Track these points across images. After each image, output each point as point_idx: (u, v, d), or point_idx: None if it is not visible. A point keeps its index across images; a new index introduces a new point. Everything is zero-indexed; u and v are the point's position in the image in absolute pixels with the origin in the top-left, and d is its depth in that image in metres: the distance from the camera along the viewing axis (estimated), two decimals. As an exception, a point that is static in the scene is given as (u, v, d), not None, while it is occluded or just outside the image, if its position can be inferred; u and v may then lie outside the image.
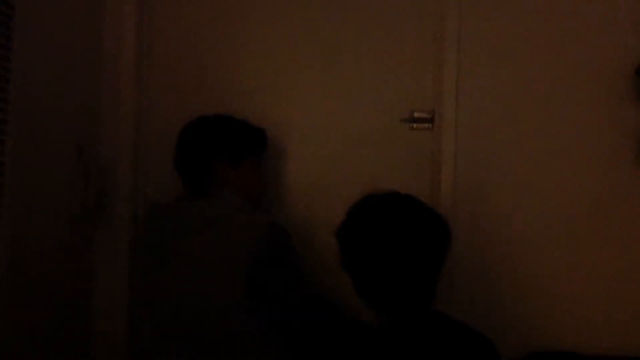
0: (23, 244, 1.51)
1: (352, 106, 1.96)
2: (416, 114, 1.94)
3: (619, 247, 1.84)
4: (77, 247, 1.84)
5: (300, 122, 1.95)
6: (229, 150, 1.66)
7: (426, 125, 1.94)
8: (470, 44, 1.91)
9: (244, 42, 1.99)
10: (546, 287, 1.85)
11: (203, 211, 1.57)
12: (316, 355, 1.44)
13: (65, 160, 1.74)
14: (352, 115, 1.96)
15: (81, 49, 1.83)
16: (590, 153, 1.86)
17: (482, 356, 1.28)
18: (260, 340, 1.50)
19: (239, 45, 1.99)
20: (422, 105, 1.94)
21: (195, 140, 1.68)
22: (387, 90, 1.95)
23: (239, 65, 1.99)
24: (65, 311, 1.76)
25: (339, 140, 1.96)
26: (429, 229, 1.32)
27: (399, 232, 1.30)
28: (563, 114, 1.87)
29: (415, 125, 1.94)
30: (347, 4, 1.97)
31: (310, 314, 1.55)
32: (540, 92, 1.88)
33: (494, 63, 1.90)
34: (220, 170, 1.64)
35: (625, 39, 1.86)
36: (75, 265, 1.83)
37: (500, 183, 1.86)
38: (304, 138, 1.96)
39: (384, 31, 1.96)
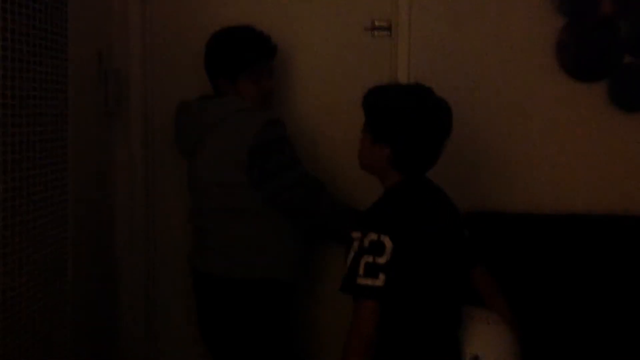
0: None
1: (322, 19, 2.37)
2: (376, 23, 2.35)
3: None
4: (101, 135, 2.32)
5: (278, 32, 2.23)
6: (225, 67, 2.05)
7: (385, 32, 2.36)
8: None
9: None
10: (490, 156, 2.36)
11: (214, 110, 2.01)
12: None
13: (91, 65, 2.19)
14: (323, 27, 2.37)
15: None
16: (518, 56, 2.31)
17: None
18: (261, 211, 1.98)
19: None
20: (381, 15, 2.35)
21: (205, 54, 2.10)
22: (351, 2, 2.36)
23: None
24: (90, 188, 2.25)
25: (313, 49, 2.38)
26: (448, 109, 1.72)
27: (431, 112, 1.68)
28: (495, 22, 2.30)
29: (376, 33, 2.36)
30: None
31: (303, 189, 2.00)
32: (478, 4, 2.31)
33: None
34: (220, 83, 2.07)
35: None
36: (98, 151, 2.31)
37: (448, 81, 2.22)
38: (285, 45, 2.29)
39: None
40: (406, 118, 1.69)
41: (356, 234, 1.68)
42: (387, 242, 1.60)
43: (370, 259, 1.61)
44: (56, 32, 1.87)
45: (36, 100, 1.76)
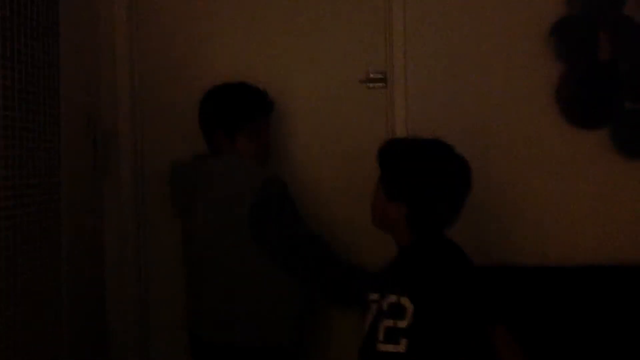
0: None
1: (315, 70, 2.34)
2: (371, 75, 2.33)
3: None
4: (90, 197, 2.25)
5: (272, 85, 2.19)
6: (222, 124, 2.01)
7: (380, 84, 2.33)
8: (416, 10, 2.29)
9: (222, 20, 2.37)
10: (490, 207, 2.29)
11: (210, 169, 1.96)
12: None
13: (79, 129, 2.13)
14: (317, 80, 2.34)
15: (85, 48, 2.22)
16: (518, 104, 2.29)
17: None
18: (263, 272, 1.90)
19: (220, 22, 2.37)
20: (375, 66, 2.32)
21: (200, 111, 2.06)
22: (345, 54, 2.34)
23: (218, 45, 2.37)
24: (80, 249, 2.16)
25: (308, 102, 2.34)
26: (468, 167, 1.67)
27: (452, 169, 1.63)
28: (494, 71, 2.29)
29: (371, 85, 2.33)
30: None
31: (307, 248, 1.93)
32: (475, 53, 2.29)
33: (437, 26, 2.29)
34: (218, 139, 2.02)
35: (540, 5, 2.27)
36: (89, 213, 2.24)
37: (447, 131, 2.08)
38: (279, 98, 2.22)
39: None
40: (425, 176, 1.64)
41: (373, 296, 1.62)
42: (408, 304, 1.54)
43: (390, 323, 1.55)
44: (48, 95, 1.83)
45: (28, 163, 1.71)
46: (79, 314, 2.05)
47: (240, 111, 2.02)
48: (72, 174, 2.01)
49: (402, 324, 1.53)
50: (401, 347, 1.51)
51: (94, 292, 2.28)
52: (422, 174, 1.64)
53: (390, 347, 1.52)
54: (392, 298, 1.56)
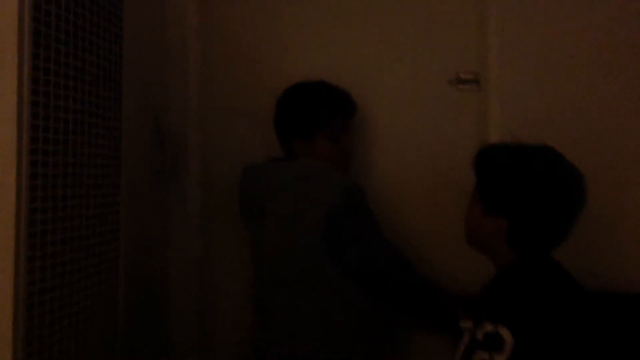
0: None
1: (400, 71, 2.15)
2: (462, 76, 2.12)
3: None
4: (157, 201, 2.15)
5: (353, 86, 2.08)
6: (300, 125, 1.88)
7: (472, 86, 2.12)
8: (513, 2, 2.06)
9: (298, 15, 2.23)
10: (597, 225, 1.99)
11: (285, 173, 1.83)
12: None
13: (145, 130, 2.04)
14: (403, 82, 2.15)
15: (153, 49, 2.13)
16: (631, 107, 2.01)
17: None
18: (336, 283, 1.77)
19: (296, 20, 2.23)
20: (467, 66, 2.12)
21: (276, 112, 1.94)
22: (432, 52, 2.14)
23: (295, 35, 2.23)
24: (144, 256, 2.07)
25: (392, 105, 2.16)
26: (581, 178, 1.45)
27: (564, 179, 1.43)
28: (602, 70, 2.02)
29: (461, 87, 2.13)
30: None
31: (389, 265, 1.78)
32: (580, 50, 2.04)
33: (537, 20, 2.04)
34: (294, 142, 1.90)
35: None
36: (153, 217, 2.14)
37: (547, 139, 1.92)
38: (363, 102, 2.09)
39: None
40: (532, 185, 1.43)
41: (466, 324, 1.43)
42: (507, 335, 1.34)
43: (485, 356, 1.35)
44: (111, 97, 1.71)
45: (90, 161, 1.60)
46: (137, 323, 1.95)
47: (319, 112, 1.89)
48: (135, 177, 1.91)
49: (500, 357, 1.33)
50: (498, 385, 1.31)
51: (155, 304, 2.17)
52: (528, 182, 1.44)
53: (485, 384, 1.33)
54: (489, 327, 1.37)
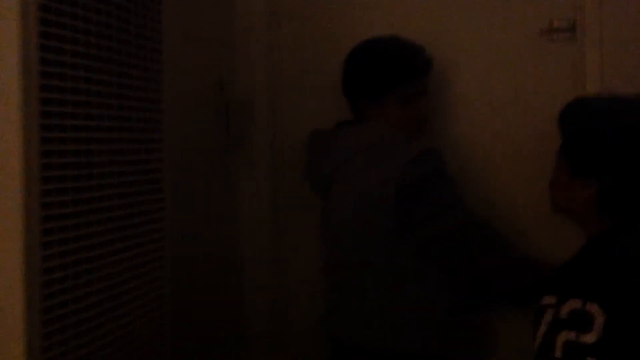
0: (178, 171, 1.70)
1: (485, 24, 1.98)
2: (556, 24, 1.92)
3: None
4: (223, 175, 2.06)
5: (432, 40, 1.93)
6: (368, 87, 1.74)
7: (567, 35, 1.92)
8: None
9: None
10: None
11: (351, 141, 1.70)
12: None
13: (209, 96, 1.94)
14: (487, 33, 1.97)
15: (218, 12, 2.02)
16: None
17: None
18: (411, 267, 1.64)
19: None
20: (561, 14, 1.92)
21: (344, 73, 1.80)
22: (520, 1, 1.95)
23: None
24: (216, 230, 1.99)
25: (475, 60, 1.99)
26: None
27: None
28: None
29: (555, 36, 1.93)
30: None
31: (467, 236, 1.62)
32: None
33: None
34: (362, 105, 1.76)
35: None
36: (222, 193, 2.05)
37: None
38: (442, 57, 1.94)
39: None
40: (626, 143, 1.24)
41: (549, 299, 1.27)
42: (597, 312, 1.16)
43: (571, 335, 1.19)
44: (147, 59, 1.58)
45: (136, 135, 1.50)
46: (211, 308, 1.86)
47: (387, 71, 1.73)
48: (192, 149, 1.82)
49: (588, 338, 1.16)
50: (585, 369, 1.14)
51: (225, 286, 2.08)
52: (622, 136, 1.25)
53: (570, 368, 1.16)
54: (575, 303, 1.20)
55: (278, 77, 2.15)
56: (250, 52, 2.13)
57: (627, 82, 1.82)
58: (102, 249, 1.33)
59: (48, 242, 1.16)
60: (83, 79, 1.27)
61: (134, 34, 1.46)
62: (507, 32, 1.96)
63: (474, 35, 1.99)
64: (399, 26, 1.92)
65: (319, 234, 1.89)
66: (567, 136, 1.35)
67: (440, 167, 1.65)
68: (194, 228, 1.81)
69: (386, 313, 1.64)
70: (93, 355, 1.29)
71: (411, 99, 1.75)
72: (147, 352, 1.50)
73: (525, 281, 1.56)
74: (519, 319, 1.54)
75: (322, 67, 2.06)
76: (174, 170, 1.64)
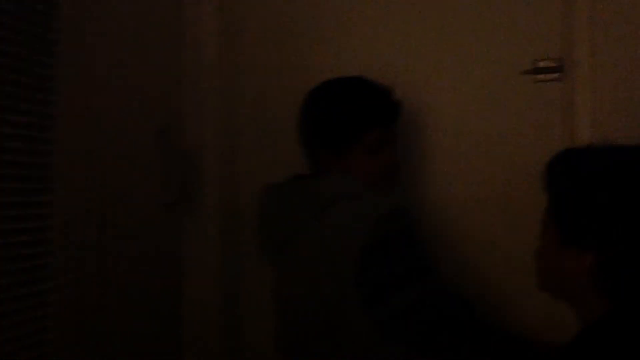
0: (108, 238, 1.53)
1: (463, 64, 1.80)
2: (541, 64, 1.74)
3: None
4: (163, 240, 1.86)
5: (410, 82, 1.80)
6: (328, 135, 1.53)
7: (554, 75, 1.73)
8: None
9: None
10: None
11: (312, 195, 1.49)
12: None
13: (145, 146, 1.74)
14: (465, 74, 1.79)
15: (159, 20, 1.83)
16: None
17: None
18: (376, 344, 1.40)
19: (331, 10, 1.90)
20: (547, 52, 1.73)
21: (301, 118, 1.59)
22: (504, 38, 1.77)
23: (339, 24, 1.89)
24: (156, 305, 1.79)
25: (447, 100, 1.81)
26: None
27: None
28: None
29: (539, 77, 1.74)
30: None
31: (446, 313, 1.39)
32: None
33: None
34: (323, 156, 1.55)
35: None
36: (163, 259, 1.85)
37: None
38: (416, 98, 1.80)
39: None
40: (627, 204, 1.02)
41: None
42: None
43: None
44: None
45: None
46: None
47: (351, 119, 1.51)
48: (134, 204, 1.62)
49: None
50: None
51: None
52: (624, 197, 1.02)
53: None
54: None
55: (230, 124, 1.96)
56: (199, 95, 1.94)
57: (623, 127, 1.63)
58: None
59: None
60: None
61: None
62: (488, 73, 1.78)
63: (448, 77, 1.81)
64: (367, 65, 1.76)
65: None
66: (553, 196, 1.12)
67: (410, 229, 1.42)
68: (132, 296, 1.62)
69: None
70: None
71: (379, 148, 1.54)
72: None
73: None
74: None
75: (280, 113, 1.85)
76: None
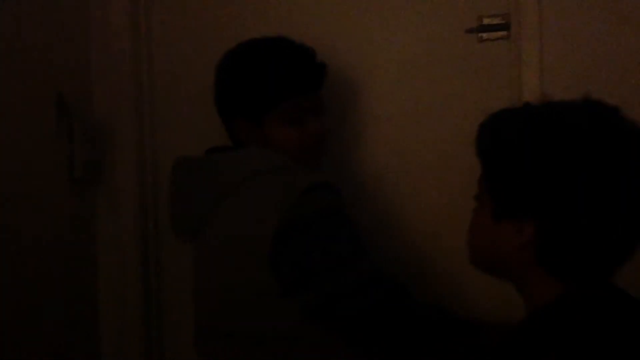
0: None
1: (399, 23, 1.68)
2: (485, 21, 1.63)
3: None
4: (71, 224, 1.70)
5: (342, 42, 1.69)
6: (244, 103, 1.39)
7: (500, 34, 1.63)
8: None
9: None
10: None
11: (226, 170, 1.36)
12: None
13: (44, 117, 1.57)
14: (401, 34, 1.68)
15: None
16: None
17: None
18: (298, 336, 1.28)
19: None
20: (492, 9, 1.63)
21: (215, 83, 1.45)
22: None
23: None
24: (69, 295, 1.67)
25: (386, 67, 1.69)
26: None
27: (627, 153, 0.90)
28: None
29: (485, 35, 1.64)
30: None
31: (372, 297, 1.26)
32: None
33: None
34: (239, 125, 1.41)
35: None
36: (72, 244, 1.70)
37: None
38: (359, 63, 1.70)
39: None
40: (570, 162, 0.88)
41: None
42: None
43: None
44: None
45: None
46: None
47: (269, 83, 1.38)
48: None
49: None
50: None
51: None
52: (565, 157, 0.88)
53: None
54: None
55: (147, 91, 1.81)
56: (109, 58, 1.77)
57: (572, 85, 1.54)
58: None
59: None
60: None
61: None
62: (429, 31, 1.67)
63: (382, 37, 1.69)
64: (294, 22, 1.66)
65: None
66: (486, 163, 0.98)
67: (336, 205, 1.29)
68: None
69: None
70: None
71: (301, 117, 1.41)
72: None
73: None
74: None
75: (203, 79, 1.62)
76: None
